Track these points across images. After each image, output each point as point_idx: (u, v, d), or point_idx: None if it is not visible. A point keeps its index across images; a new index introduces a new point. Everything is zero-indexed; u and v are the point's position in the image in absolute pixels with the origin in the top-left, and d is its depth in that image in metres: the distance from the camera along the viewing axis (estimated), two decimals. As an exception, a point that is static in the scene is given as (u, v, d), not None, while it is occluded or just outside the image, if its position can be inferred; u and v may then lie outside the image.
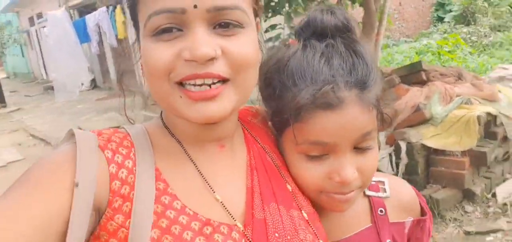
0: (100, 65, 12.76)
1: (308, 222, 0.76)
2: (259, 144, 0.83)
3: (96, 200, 0.59)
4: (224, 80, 0.65)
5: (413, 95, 3.83)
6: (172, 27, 0.62)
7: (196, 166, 0.72)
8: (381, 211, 0.91)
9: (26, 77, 20.64)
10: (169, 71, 0.63)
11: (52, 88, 12.46)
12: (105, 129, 0.70)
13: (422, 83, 4.12)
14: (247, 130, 0.85)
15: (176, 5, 0.60)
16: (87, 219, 0.58)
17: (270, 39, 3.62)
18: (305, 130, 0.75)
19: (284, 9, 3.75)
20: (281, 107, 0.79)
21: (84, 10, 10.77)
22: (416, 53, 8.90)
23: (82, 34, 9.82)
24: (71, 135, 0.65)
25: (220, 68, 0.63)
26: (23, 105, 12.58)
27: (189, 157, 0.72)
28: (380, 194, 0.93)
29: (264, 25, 3.63)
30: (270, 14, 3.80)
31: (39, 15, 14.40)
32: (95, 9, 9.69)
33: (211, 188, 0.70)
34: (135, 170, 0.65)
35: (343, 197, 0.79)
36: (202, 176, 0.71)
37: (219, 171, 0.74)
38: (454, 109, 3.85)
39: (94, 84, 12.95)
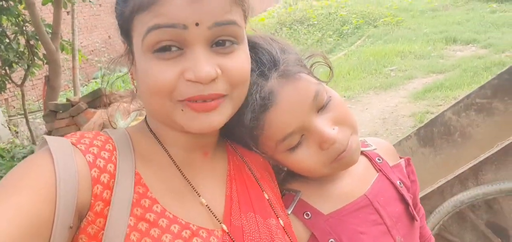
0: None
1: (284, 230, 0.78)
2: (239, 155, 0.85)
3: (78, 203, 0.58)
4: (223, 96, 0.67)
5: (99, 116, 4.27)
6: (172, 46, 0.62)
7: (180, 171, 0.72)
8: (378, 159, 0.97)
9: None
10: (171, 91, 0.64)
11: None
12: (86, 132, 0.68)
13: (105, 105, 4.54)
14: (229, 143, 0.87)
15: (178, 21, 0.60)
16: (69, 221, 0.57)
17: None
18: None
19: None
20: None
21: None
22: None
23: None
24: (43, 142, 0.63)
25: (221, 87, 0.65)
26: None
27: (173, 162, 0.72)
28: (369, 148, 0.99)
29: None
30: None
31: None
32: None
33: (196, 192, 0.71)
34: (116, 174, 0.64)
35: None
36: (187, 180, 0.72)
37: (202, 177, 0.75)
38: (132, 120, 4.30)
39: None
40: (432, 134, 2.53)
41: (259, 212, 0.77)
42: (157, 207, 0.65)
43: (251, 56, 0.77)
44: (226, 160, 0.83)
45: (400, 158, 1.05)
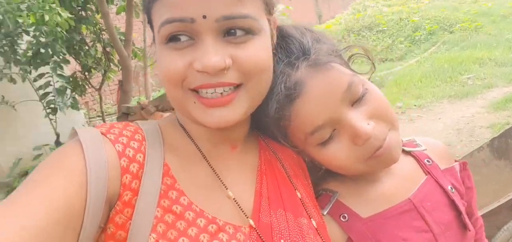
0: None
1: (317, 231, 0.75)
2: (272, 151, 0.83)
3: (108, 192, 0.59)
4: (236, 86, 0.65)
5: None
6: (183, 35, 0.62)
7: (208, 163, 0.71)
8: (428, 161, 0.90)
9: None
10: (182, 80, 0.64)
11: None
12: (116, 123, 0.69)
13: (173, 108, 4.57)
14: (261, 137, 0.84)
15: (186, 15, 0.60)
16: (100, 210, 0.57)
17: (40, 88, 4.40)
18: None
19: (51, 60, 4.30)
20: None
21: None
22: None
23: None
24: (74, 133, 0.64)
25: (231, 76, 0.63)
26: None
27: (202, 154, 0.72)
28: (418, 149, 0.92)
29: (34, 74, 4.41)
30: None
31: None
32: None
33: (223, 185, 0.70)
34: (145, 164, 0.64)
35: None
36: (215, 173, 0.71)
37: (230, 170, 0.74)
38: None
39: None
40: (507, 146, 2.30)
41: (290, 209, 0.74)
42: (184, 199, 0.65)
43: (281, 46, 0.77)
44: (257, 155, 0.80)
45: (455, 161, 0.96)
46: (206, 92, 0.64)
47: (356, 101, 0.76)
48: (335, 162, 0.79)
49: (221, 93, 0.64)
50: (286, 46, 0.78)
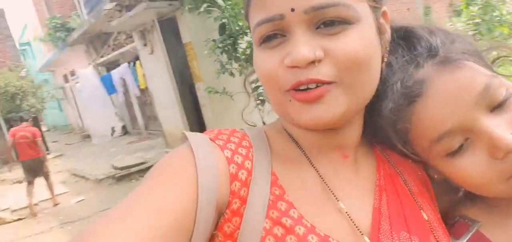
0: (128, 113, 13.41)
1: None
2: (392, 164, 0.73)
3: (218, 199, 0.57)
4: (329, 83, 0.58)
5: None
6: (276, 34, 0.59)
7: (317, 171, 0.65)
8: None
9: (65, 128, 21.46)
10: (276, 80, 0.60)
11: (88, 136, 13.99)
12: (223, 129, 0.67)
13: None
14: (379, 149, 0.75)
15: (274, 13, 0.58)
16: (211, 217, 0.56)
17: (253, 82, 3.66)
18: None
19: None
20: None
21: (110, 66, 11.61)
22: None
23: (109, 87, 10.95)
24: (183, 137, 0.63)
25: (323, 71, 0.57)
26: (65, 152, 13.65)
27: (310, 162, 0.66)
28: None
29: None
30: None
31: (72, 73, 15.16)
32: (119, 65, 10.71)
33: (334, 197, 0.63)
34: (253, 172, 0.61)
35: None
36: (325, 182, 0.64)
37: (342, 182, 0.66)
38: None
39: (125, 131, 13.62)
40: None
41: (415, 232, 0.64)
42: (294, 212, 0.60)
43: (402, 45, 0.69)
44: (375, 167, 0.71)
45: None
46: (299, 88, 0.59)
47: (496, 106, 0.63)
48: (468, 178, 0.66)
49: (315, 87, 0.58)
50: (409, 45, 0.69)
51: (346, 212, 0.62)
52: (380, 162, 0.72)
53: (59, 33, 12.36)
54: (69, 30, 11.94)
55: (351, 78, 0.58)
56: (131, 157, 9.12)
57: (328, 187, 0.64)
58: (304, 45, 0.56)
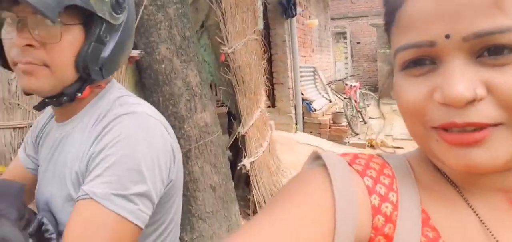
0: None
1: None
2: None
3: (357, 233, 0.49)
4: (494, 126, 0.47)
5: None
6: (424, 59, 0.49)
7: (479, 217, 0.53)
8: None
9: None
10: (421, 114, 0.50)
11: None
12: (359, 153, 0.60)
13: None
14: None
15: (423, 38, 0.47)
16: None
17: None
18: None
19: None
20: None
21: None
22: None
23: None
24: (315, 157, 0.57)
25: (485, 112, 0.45)
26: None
27: (467, 203, 0.54)
28: None
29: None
30: None
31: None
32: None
33: None
34: (399, 206, 0.53)
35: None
36: (490, 232, 0.51)
37: (508, 234, 0.52)
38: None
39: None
40: None
41: None
42: None
43: None
44: None
45: None
46: (452, 130, 0.48)
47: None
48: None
49: (472, 130, 0.47)
50: None
51: None
52: None
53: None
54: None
55: None
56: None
57: (494, 237, 0.52)
58: (460, 81, 0.46)
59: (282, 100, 7.04)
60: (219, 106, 3.90)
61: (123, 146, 0.76)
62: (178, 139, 2.44)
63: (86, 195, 0.72)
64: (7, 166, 2.02)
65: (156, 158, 0.79)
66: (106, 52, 0.84)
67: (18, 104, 2.14)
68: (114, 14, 0.84)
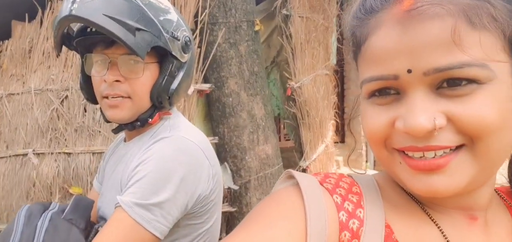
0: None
1: None
2: None
3: None
4: (455, 148, 0.49)
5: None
6: (389, 89, 0.52)
7: (442, 232, 0.55)
8: None
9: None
10: (384, 139, 0.54)
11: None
12: (330, 173, 0.62)
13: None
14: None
15: (387, 72, 0.50)
16: None
17: None
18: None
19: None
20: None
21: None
22: None
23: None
24: (288, 177, 0.60)
25: (446, 138, 0.49)
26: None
27: (431, 218, 0.57)
28: None
29: None
30: None
31: None
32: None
33: None
34: (364, 222, 0.55)
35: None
36: None
37: None
38: None
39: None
40: None
41: None
42: None
43: None
44: (509, 233, 0.61)
45: None
46: (413, 154, 0.51)
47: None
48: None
49: (433, 156, 0.50)
50: None
51: None
52: None
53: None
54: None
55: (482, 146, 0.49)
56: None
57: None
58: (421, 112, 0.48)
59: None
60: (287, 140, 3.98)
61: (153, 163, 0.89)
62: (239, 170, 2.60)
63: (117, 203, 0.86)
64: (83, 187, 2.23)
65: (182, 174, 0.90)
66: (175, 84, 1.01)
67: (100, 131, 2.42)
68: (183, 53, 1.02)
